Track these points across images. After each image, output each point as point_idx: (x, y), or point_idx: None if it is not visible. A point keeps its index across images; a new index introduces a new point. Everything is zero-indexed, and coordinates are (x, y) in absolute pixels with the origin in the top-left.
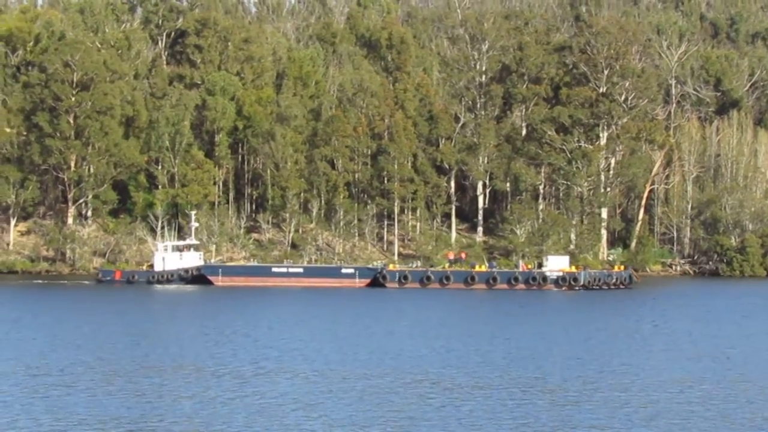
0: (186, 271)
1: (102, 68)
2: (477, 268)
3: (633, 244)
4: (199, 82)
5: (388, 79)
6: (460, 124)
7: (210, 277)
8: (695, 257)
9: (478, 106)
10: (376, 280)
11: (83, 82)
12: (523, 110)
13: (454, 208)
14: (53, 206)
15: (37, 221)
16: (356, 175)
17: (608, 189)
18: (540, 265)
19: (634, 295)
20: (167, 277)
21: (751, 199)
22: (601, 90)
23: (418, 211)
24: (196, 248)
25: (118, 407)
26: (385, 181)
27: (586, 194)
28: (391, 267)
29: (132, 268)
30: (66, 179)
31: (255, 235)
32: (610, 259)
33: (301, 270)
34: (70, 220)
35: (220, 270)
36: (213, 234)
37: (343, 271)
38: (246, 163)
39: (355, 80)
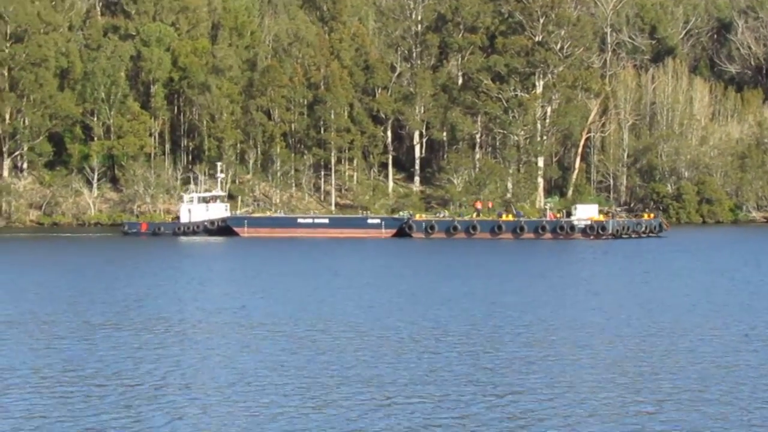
0: (212, 222)
1: (36, 20)
2: (504, 218)
3: (570, 193)
4: (134, 33)
5: (323, 28)
6: (396, 74)
7: (236, 229)
8: (632, 205)
9: (414, 55)
10: (402, 230)
11: (17, 34)
12: (459, 59)
13: (390, 157)
14: None
15: None
16: (293, 126)
17: (544, 138)
18: (569, 214)
19: (662, 244)
20: (193, 229)
21: (687, 146)
22: (536, 39)
23: (354, 161)
24: (222, 200)
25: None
26: (322, 131)
27: (522, 143)
28: (417, 217)
29: (165, 219)
30: (1, 132)
31: (192, 186)
32: (547, 207)
33: (326, 221)
34: (5, 173)
35: (245, 221)
36: (149, 186)
37: (369, 221)
38: (182, 114)
39: (291, 30)
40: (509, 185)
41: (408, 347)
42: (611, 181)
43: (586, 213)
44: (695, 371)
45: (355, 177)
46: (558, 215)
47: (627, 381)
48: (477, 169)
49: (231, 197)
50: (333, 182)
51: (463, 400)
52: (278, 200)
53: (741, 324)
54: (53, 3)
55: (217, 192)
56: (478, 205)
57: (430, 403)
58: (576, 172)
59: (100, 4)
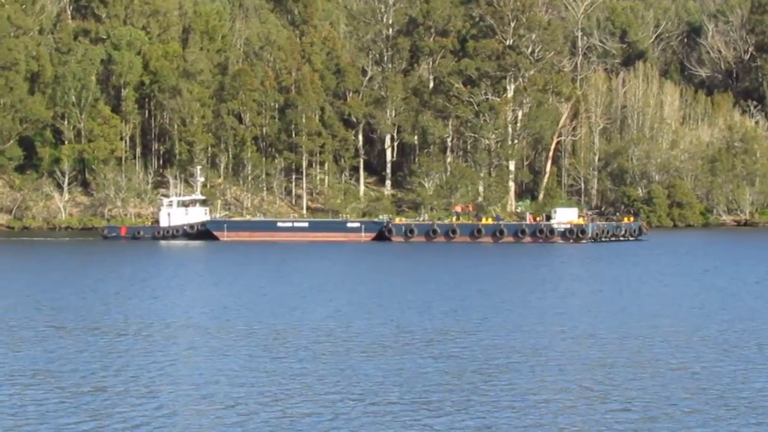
0: (191, 226)
1: (6, 23)
2: (483, 221)
3: (541, 196)
4: (105, 37)
5: (294, 32)
6: (367, 78)
7: (215, 232)
8: (602, 208)
9: (385, 59)
10: (382, 234)
11: None
12: (430, 63)
13: (362, 161)
14: None
15: None
16: (264, 129)
17: (516, 141)
18: (548, 218)
19: (643, 247)
20: (172, 233)
21: (658, 150)
22: (507, 42)
23: (326, 165)
24: (202, 203)
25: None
26: (293, 135)
27: (493, 147)
28: (397, 220)
29: (136, 223)
30: None
31: (162, 191)
32: (518, 211)
33: (306, 224)
34: None
35: (225, 225)
36: (120, 189)
37: (349, 225)
38: (153, 118)
39: (262, 34)
40: (480, 189)
41: (382, 352)
42: (582, 184)
43: (565, 216)
44: (678, 377)
45: (326, 181)
46: (538, 218)
47: (608, 388)
48: (448, 173)
49: (203, 201)
50: (304, 186)
51: (436, 406)
52: (249, 204)
53: (725, 327)
54: (23, 6)
55: (197, 196)
56: (458, 209)
57: (401, 409)
58: (547, 175)
59: (71, 7)
